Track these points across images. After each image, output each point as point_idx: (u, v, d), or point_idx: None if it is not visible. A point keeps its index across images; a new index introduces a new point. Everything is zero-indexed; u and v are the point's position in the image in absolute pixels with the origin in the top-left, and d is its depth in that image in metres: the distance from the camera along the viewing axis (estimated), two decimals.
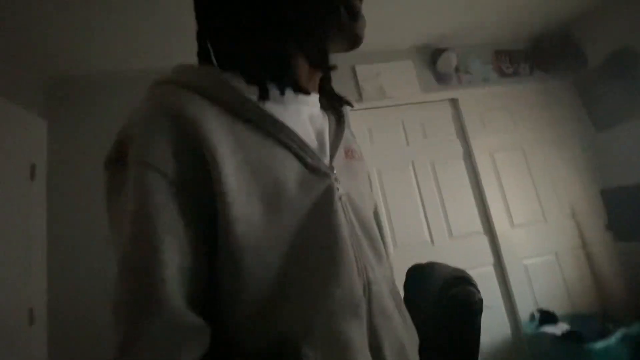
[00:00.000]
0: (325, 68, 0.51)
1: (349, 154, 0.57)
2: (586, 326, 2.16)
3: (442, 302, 1.26)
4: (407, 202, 2.55)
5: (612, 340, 1.89)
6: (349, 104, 0.61)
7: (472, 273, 2.80)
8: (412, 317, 1.50)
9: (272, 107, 0.46)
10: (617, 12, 2.47)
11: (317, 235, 0.42)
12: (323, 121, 0.54)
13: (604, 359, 1.86)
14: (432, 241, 2.50)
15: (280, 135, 0.44)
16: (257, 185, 0.40)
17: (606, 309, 2.41)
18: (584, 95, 2.73)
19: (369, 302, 0.45)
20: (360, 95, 2.57)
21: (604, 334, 1.97)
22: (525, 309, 2.40)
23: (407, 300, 1.49)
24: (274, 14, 0.46)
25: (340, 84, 2.44)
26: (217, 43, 0.50)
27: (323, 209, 0.44)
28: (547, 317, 2.27)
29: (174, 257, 0.35)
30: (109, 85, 2.21)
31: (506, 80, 2.77)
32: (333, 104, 0.59)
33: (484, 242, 2.55)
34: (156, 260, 0.34)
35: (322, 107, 0.57)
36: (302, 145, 0.45)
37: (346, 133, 0.58)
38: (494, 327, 2.37)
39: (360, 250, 0.47)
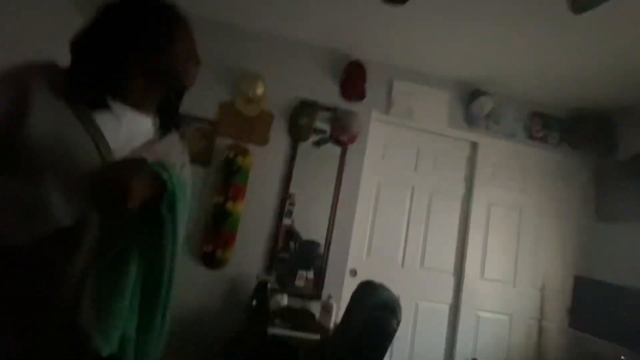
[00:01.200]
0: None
1: (150, 154, 0.80)
2: None
3: (367, 320, 1.44)
4: (394, 221, 2.67)
5: None
6: (174, 127, 0.91)
7: (428, 306, 2.98)
8: (344, 322, 1.70)
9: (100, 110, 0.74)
10: None
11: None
12: (137, 133, 0.80)
13: None
14: (403, 264, 2.64)
15: (85, 124, 0.72)
16: (52, 140, 0.67)
17: None
18: (600, 182, 2.74)
19: None
20: (388, 107, 2.65)
21: None
22: (465, 354, 2.54)
23: (349, 307, 1.67)
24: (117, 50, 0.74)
25: (373, 92, 2.48)
26: (82, 58, 0.74)
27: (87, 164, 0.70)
28: None
29: None
30: None
31: (531, 143, 2.80)
32: (163, 123, 0.88)
33: (449, 282, 2.67)
34: None
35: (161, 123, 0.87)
36: (98, 135, 0.73)
37: (158, 145, 0.84)
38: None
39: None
